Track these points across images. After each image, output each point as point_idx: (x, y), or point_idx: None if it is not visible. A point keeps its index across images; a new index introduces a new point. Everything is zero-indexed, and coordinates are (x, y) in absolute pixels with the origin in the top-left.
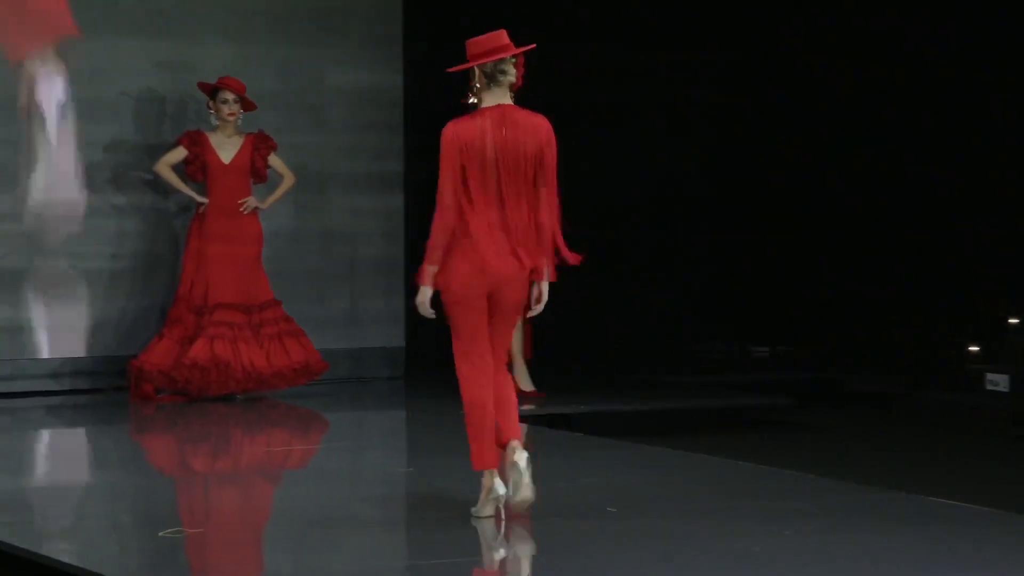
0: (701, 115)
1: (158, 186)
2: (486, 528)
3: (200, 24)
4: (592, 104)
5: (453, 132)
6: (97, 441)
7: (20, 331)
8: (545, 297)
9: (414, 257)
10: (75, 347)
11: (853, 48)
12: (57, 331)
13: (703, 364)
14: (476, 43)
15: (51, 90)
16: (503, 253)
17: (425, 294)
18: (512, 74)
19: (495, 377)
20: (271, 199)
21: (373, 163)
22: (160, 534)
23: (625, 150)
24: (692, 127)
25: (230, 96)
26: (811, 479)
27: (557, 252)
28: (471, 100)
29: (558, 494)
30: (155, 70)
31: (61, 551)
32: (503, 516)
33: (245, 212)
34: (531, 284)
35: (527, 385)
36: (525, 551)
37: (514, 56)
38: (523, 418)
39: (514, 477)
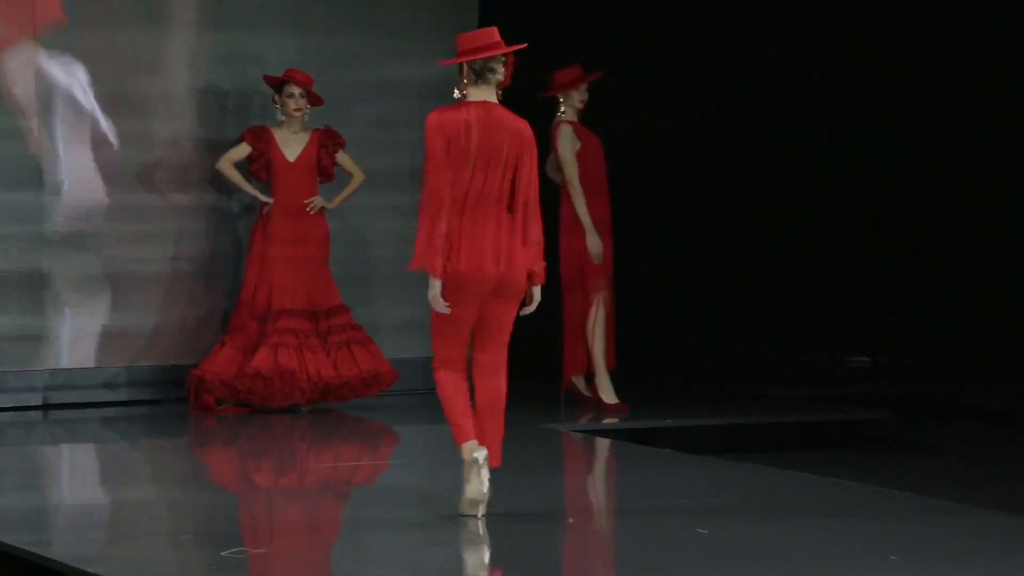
0: (798, 112)
1: (220, 185)
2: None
3: (262, 15)
4: (678, 98)
5: (437, 120)
6: (155, 455)
7: (74, 339)
8: (537, 299)
9: None
10: (132, 356)
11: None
12: (113, 338)
13: (798, 375)
14: (466, 39)
15: (70, 82)
16: (485, 253)
17: (436, 287)
18: (500, 72)
19: (488, 382)
20: (339, 198)
21: None
22: (222, 554)
23: (714, 148)
24: (788, 123)
25: (296, 90)
26: (917, 499)
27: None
28: (456, 94)
29: (644, 514)
30: (217, 63)
31: (119, 571)
32: (486, 488)
33: (311, 212)
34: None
35: (610, 397)
36: None
37: (504, 55)
38: (605, 432)
39: (471, 468)
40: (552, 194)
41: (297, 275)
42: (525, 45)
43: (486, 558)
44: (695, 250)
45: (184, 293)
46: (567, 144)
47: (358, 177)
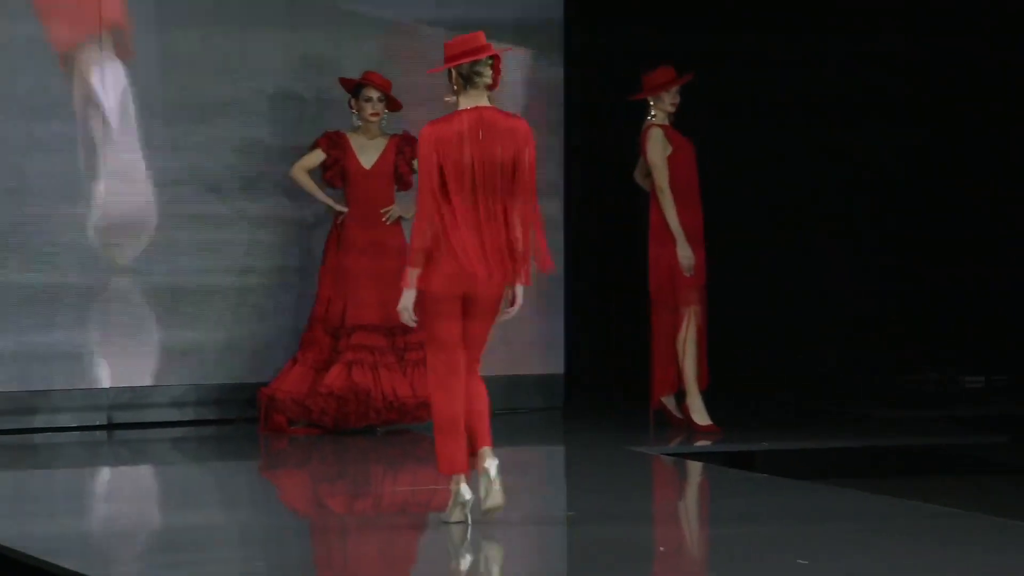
0: (901, 113)
1: (293, 193)
2: None
3: (337, 15)
4: (773, 99)
5: (429, 134)
6: (224, 477)
7: (140, 355)
8: (519, 301)
9: (576, 274)
10: (200, 373)
11: None
12: (180, 355)
13: (905, 395)
14: (453, 44)
15: (129, 88)
16: (479, 257)
17: (409, 298)
18: (488, 76)
19: (469, 384)
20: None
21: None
22: None
23: (810, 152)
24: (890, 125)
25: (374, 94)
26: None
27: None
28: (446, 99)
29: (739, 543)
30: (292, 66)
31: None
32: (469, 521)
33: (388, 222)
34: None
35: (702, 419)
36: None
37: (490, 57)
38: (698, 456)
39: (484, 484)
40: (641, 201)
41: (372, 288)
42: (511, 48)
43: None
44: (792, 261)
45: (254, 307)
46: (657, 148)
47: None
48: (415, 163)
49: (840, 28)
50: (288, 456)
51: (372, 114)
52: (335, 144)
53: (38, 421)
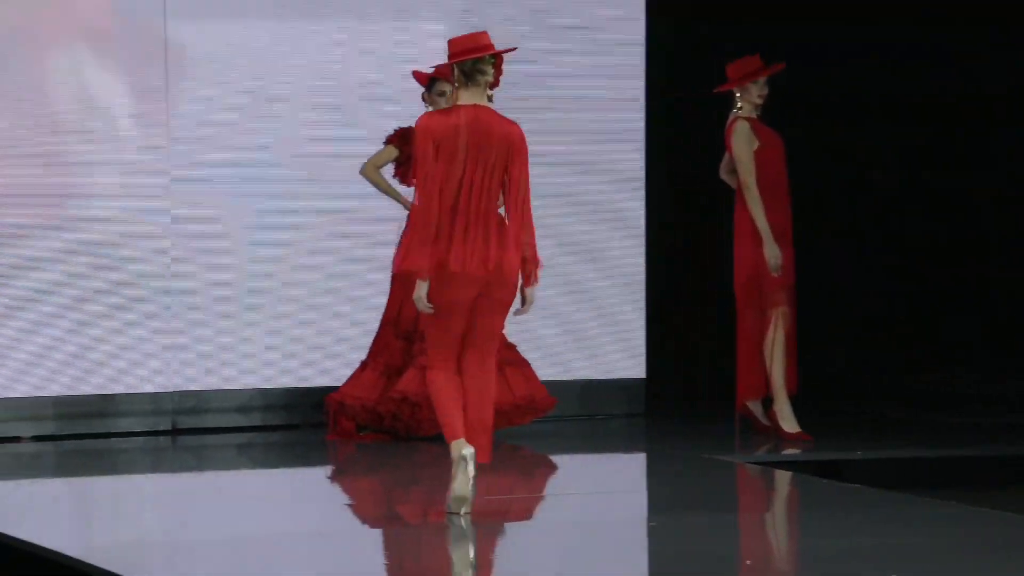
0: (996, 114)
1: (364, 191)
2: None
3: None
4: (862, 93)
5: (426, 125)
6: (292, 485)
7: (203, 358)
8: (531, 301)
9: (656, 274)
10: (267, 377)
11: None
12: (246, 358)
13: (1004, 404)
14: (457, 42)
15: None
16: (474, 256)
17: (423, 288)
18: (490, 74)
19: (478, 374)
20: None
21: (607, 163)
22: None
23: (900, 150)
24: (985, 127)
25: (448, 88)
26: None
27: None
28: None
29: (830, 557)
30: (363, 58)
31: None
32: (472, 473)
33: None
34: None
35: (791, 426)
36: None
37: (492, 56)
38: (786, 465)
39: (457, 466)
40: (726, 199)
41: None
42: (515, 48)
43: None
44: (882, 261)
45: (323, 309)
46: (743, 143)
47: None
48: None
49: (846, 19)
50: (358, 463)
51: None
52: (407, 141)
53: (101, 426)
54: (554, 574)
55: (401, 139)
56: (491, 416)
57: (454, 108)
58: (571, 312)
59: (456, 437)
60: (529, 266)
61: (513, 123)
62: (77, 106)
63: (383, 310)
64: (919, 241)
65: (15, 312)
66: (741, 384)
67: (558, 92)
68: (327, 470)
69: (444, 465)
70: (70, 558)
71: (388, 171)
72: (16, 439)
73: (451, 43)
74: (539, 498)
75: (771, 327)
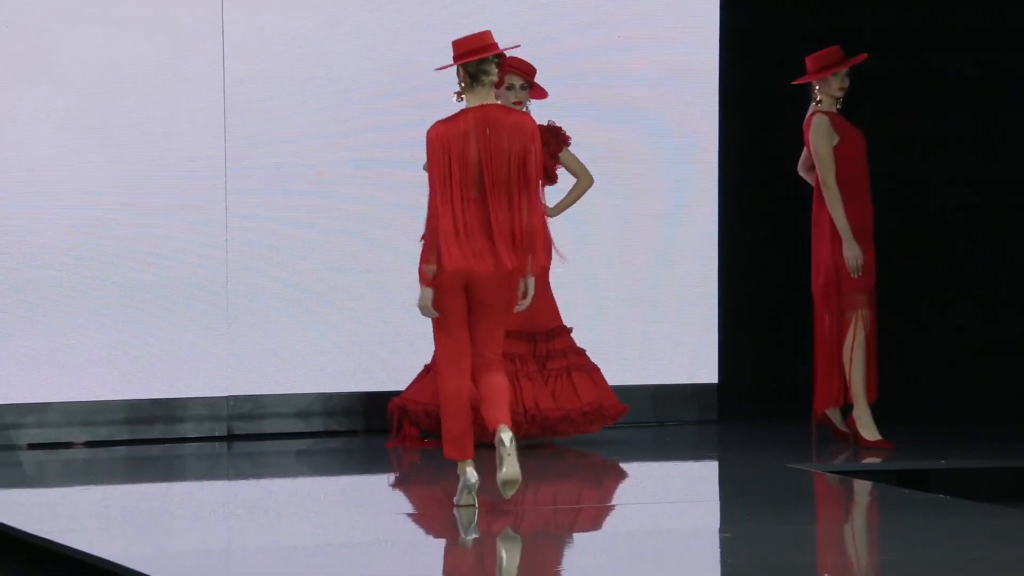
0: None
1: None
2: None
3: None
4: (950, 84)
5: (437, 133)
6: (351, 493)
7: (262, 362)
8: (531, 292)
9: (730, 276)
10: (327, 382)
11: None
12: (305, 362)
13: None
14: (461, 43)
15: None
16: (485, 252)
17: (427, 296)
18: (494, 74)
19: (486, 375)
20: (562, 204)
21: (680, 160)
22: None
23: (985, 144)
24: None
25: (516, 81)
26: None
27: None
28: (454, 99)
29: (913, 570)
30: (424, 46)
31: None
32: (476, 504)
33: None
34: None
35: (871, 434)
36: None
37: (496, 56)
38: (865, 474)
39: (500, 453)
40: (804, 196)
41: None
42: (518, 45)
43: None
44: (972, 258)
45: (386, 311)
46: (822, 138)
47: (585, 180)
48: (562, 155)
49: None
50: (421, 471)
51: (514, 103)
52: None
53: (155, 431)
54: None
55: None
56: (508, 408)
57: (462, 112)
58: (642, 316)
59: (462, 457)
60: (534, 258)
61: (524, 114)
62: (135, 103)
63: None
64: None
65: (68, 315)
66: (819, 390)
67: (626, 88)
68: (389, 478)
69: None
70: (122, 567)
71: None
72: (69, 445)
73: (455, 44)
74: (608, 507)
75: (851, 331)
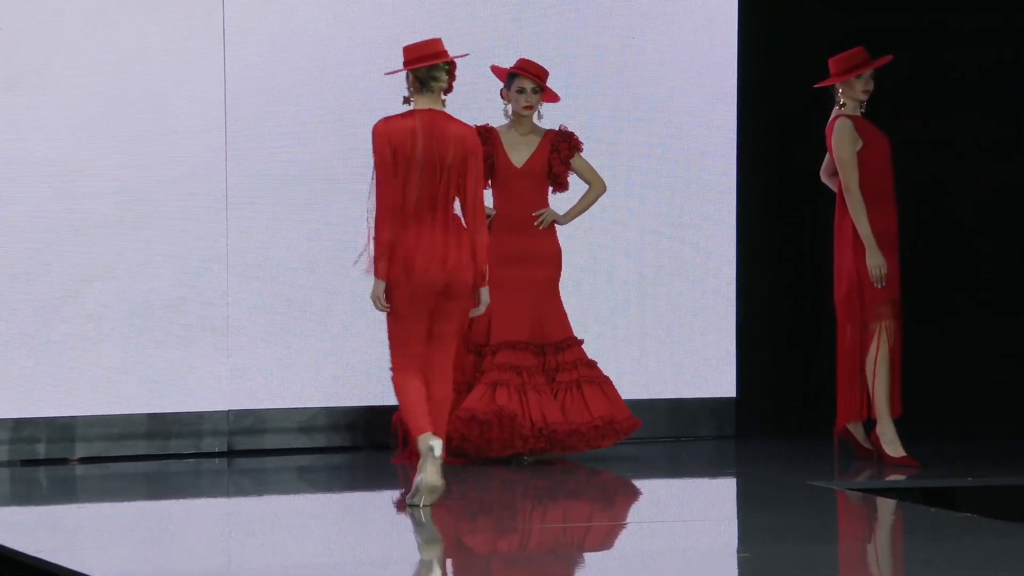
0: None
1: None
2: None
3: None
4: (980, 86)
5: (384, 128)
6: (355, 510)
7: (264, 374)
8: (485, 300)
9: (749, 286)
10: (330, 395)
11: None
12: (309, 375)
13: None
14: (411, 49)
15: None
16: (432, 257)
17: (379, 288)
18: (444, 80)
19: (434, 380)
20: (573, 212)
21: (697, 168)
22: None
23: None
24: None
25: (528, 84)
26: None
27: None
28: (403, 103)
29: None
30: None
31: None
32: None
33: (540, 227)
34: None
35: (895, 450)
36: None
37: (446, 63)
38: (890, 492)
39: (425, 457)
40: (826, 203)
41: (521, 301)
42: (467, 54)
43: None
44: (1004, 267)
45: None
46: (845, 143)
47: (597, 186)
48: (573, 161)
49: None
50: None
51: (525, 107)
52: (483, 140)
53: (152, 447)
54: None
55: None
56: (445, 421)
57: (410, 113)
58: (657, 326)
59: (423, 431)
60: (481, 266)
61: (467, 125)
62: (133, 112)
63: None
64: None
65: (62, 328)
66: (841, 404)
67: (643, 97)
68: (393, 495)
69: (516, 491)
70: None
71: None
72: (64, 461)
73: (406, 50)
74: (620, 526)
75: (874, 343)
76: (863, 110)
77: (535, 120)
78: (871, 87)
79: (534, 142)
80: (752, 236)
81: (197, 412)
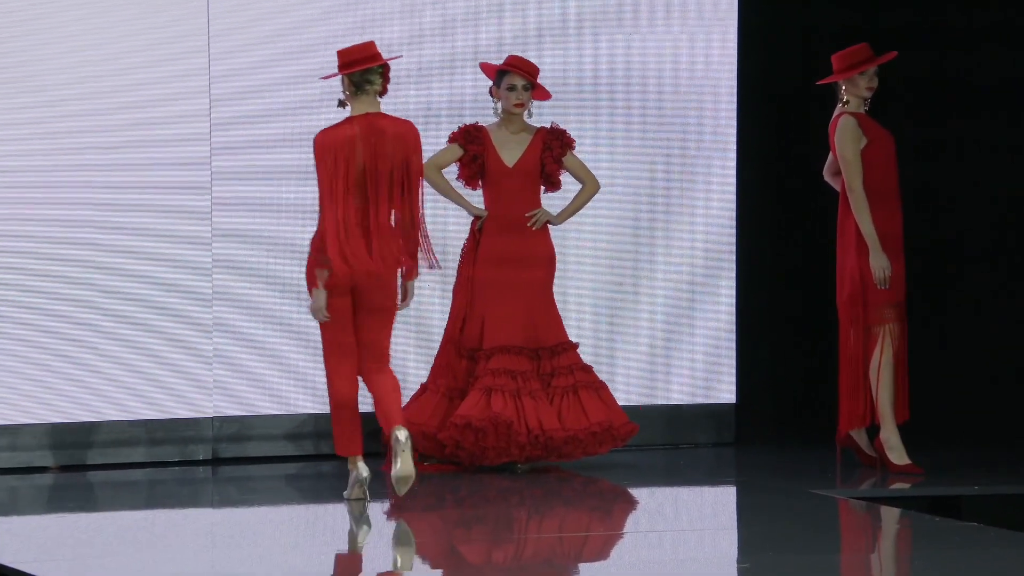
0: None
1: (424, 195)
2: None
3: None
4: (986, 83)
5: (325, 139)
6: (345, 520)
7: (250, 380)
8: (411, 295)
9: (749, 289)
10: (318, 402)
11: None
12: (296, 381)
13: None
14: (346, 52)
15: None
16: (368, 254)
17: (320, 298)
18: (378, 83)
19: (374, 377)
20: (567, 211)
21: (696, 168)
22: None
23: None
24: None
25: (519, 81)
26: None
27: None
28: (338, 105)
29: None
30: (425, 50)
31: None
32: (368, 497)
33: (533, 228)
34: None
35: (900, 457)
36: None
37: (381, 66)
38: (894, 500)
39: (395, 450)
40: (829, 203)
41: (515, 304)
42: (401, 56)
43: None
44: (1010, 271)
45: None
46: (849, 141)
47: (591, 185)
48: (566, 159)
49: None
50: (417, 497)
51: (516, 104)
52: (472, 139)
53: (135, 455)
54: None
55: (465, 137)
56: (400, 402)
57: (348, 120)
58: (654, 330)
59: (350, 453)
60: (411, 261)
61: (406, 122)
62: (117, 113)
63: (444, 327)
64: None
65: (44, 332)
66: (844, 410)
67: (641, 95)
68: (384, 505)
69: (512, 500)
70: None
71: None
72: (44, 469)
73: (340, 53)
74: (617, 536)
75: (878, 346)
76: (867, 108)
77: (526, 118)
78: (875, 84)
79: (525, 140)
80: (753, 236)
81: (182, 419)
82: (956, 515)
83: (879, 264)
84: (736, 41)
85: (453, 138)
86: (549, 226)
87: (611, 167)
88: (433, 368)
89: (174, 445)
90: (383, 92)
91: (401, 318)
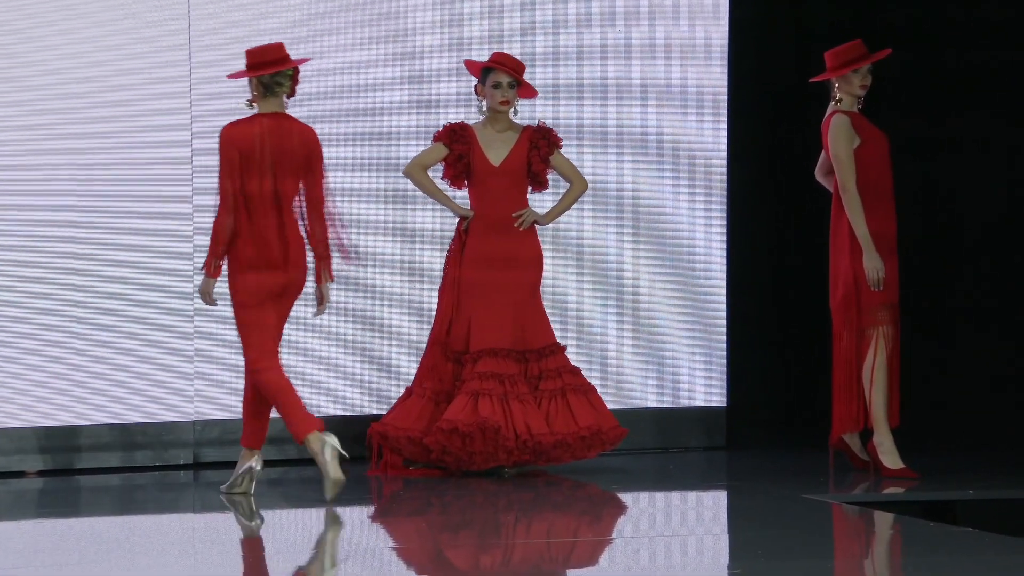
0: None
1: (409, 196)
2: None
3: None
4: (983, 82)
5: (229, 134)
6: (331, 526)
7: (232, 383)
8: (327, 298)
9: (737, 291)
10: None
11: None
12: None
13: None
14: (255, 53)
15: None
16: (278, 256)
17: (209, 284)
18: (287, 86)
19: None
20: (554, 211)
21: (687, 163)
22: None
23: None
24: None
25: (504, 79)
26: None
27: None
28: (246, 105)
29: None
30: (415, 46)
31: None
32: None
33: (520, 228)
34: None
35: (893, 462)
36: None
37: (290, 69)
38: (887, 505)
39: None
40: (822, 204)
41: (502, 306)
42: (310, 59)
43: None
44: (1003, 273)
45: (364, 331)
46: (842, 140)
47: (578, 185)
48: (553, 158)
49: None
50: (403, 502)
51: (501, 102)
52: (458, 138)
53: (114, 459)
54: None
55: (451, 136)
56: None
57: (255, 117)
58: (644, 333)
59: (311, 430)
60: (324, 263)
61: (309, 127)
62: (98, 106)
63: (430, 329)
64: None
65: (20, 332)
66: (837, 414)
67: (631, 93)
68: (368, 510)
69: (499, 505)
70: None
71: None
72: (22, 474)
73: (249, 53)
74: (607, 541)
75: (871, 349)
76: (860, 106)
77: (512, 116)
78: (869, 82)
79: (512, 139)
80: (744, 238)
81: (162, 423)
82: (951, 520)
83: (873, 265)
84: (727, 38)
85: (438, 137)
86: (536, 226)
87: (599, 166)
88: (419, 371)
89: (154, 449)
90: (291, 94)
91: (384, 320)
